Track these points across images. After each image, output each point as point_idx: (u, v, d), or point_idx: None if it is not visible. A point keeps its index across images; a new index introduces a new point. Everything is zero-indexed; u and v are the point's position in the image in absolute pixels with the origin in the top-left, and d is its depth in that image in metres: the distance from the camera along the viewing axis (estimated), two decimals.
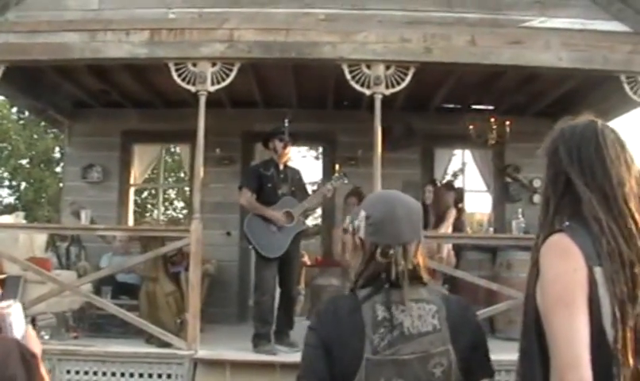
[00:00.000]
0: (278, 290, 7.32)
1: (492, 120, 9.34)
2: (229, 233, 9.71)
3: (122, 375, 6.62)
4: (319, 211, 11.34)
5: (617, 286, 1.76)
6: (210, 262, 8.59)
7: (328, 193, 7.45)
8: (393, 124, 8.10)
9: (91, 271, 8.41)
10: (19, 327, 2.42)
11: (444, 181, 10.41)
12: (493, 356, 2.12)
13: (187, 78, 6.91)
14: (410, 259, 2.03)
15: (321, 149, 12.95)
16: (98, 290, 7.92)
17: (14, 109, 20.81)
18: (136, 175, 10.71)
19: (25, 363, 2.22)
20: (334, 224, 9.43)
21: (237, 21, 7.01)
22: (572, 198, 1.93)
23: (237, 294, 9.80)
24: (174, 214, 22.93)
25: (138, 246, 8.42)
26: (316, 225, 13.98)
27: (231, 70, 6.91)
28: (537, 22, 7.02)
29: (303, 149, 18.48)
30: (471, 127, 9.33)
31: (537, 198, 9.86)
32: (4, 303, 2.39)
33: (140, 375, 6.62)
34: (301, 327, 6.87)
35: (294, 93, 9.17)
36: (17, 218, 9.44)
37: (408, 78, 6.83)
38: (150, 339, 7.03)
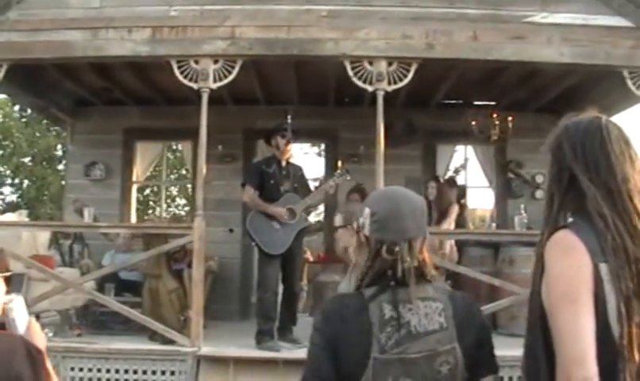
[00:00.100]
0: (281, 287, 7.34)
1: (495, 116, 9.33)
2: (231, 230, 9.72)
3: (126, 371, 6.63)
4: (321, 208, 11.35)
5: (622, 283, 1.76)
6: (212, 259, 8.60)
7: (330, 190, 7.46)
8: (395, 120, 8.10)
9: (94, 269, 8.43)
10: (22, 320, 2.44)
11: (446, 177, 10.39)
12: (496, 352, 2.12)
13: (190, 76, 6.91)
14: (416, 256, 2.03)
15: (323, 146, 12.97)
16: (101, 288, 7.93)
17: (16, 107, 20.83)
18: (139, 172, 10.72)
19: (31, 360, 2.23)
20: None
21: (238, 18, 7.01)
22: (576, 194, 1.93)
23: (239, 290, 9.82)
24: (176, 212, 22.96)
25: (141, 243, 8.43)
26: (318, 222, 13.99)
27: (233, 67, 6.91)
28: (539, 17, 7.02)
29: (306, 146, 18.49)
30: (473, 123, 9.32)
31: (539, 194, 9.88)
32: (5, 298, 2.40)
33: (144, 372, 6.63)
34: (304, 323, 6.90)
35: (295, 89, 9.17)
36: (20, 216, 9.47)
37: (410, 75, 6.83)
38: (153, 336, 7.05)
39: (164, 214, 19.98)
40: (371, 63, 6.84)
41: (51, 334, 6.94)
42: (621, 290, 1.76)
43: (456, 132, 9.88)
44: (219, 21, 6.99)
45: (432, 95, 9.42)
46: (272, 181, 7.29)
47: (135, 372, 6.63)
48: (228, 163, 9.89)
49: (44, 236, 8.62)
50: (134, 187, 10.83)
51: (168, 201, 22.39)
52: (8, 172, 22.02)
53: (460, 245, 8.36)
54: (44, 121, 18.97)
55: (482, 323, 2.12)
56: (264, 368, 6.49)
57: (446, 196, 8.42)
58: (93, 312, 7.86)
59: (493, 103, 9.75)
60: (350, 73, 6.86)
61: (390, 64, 6.85)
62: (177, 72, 6.92)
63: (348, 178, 7.71)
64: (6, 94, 11.69)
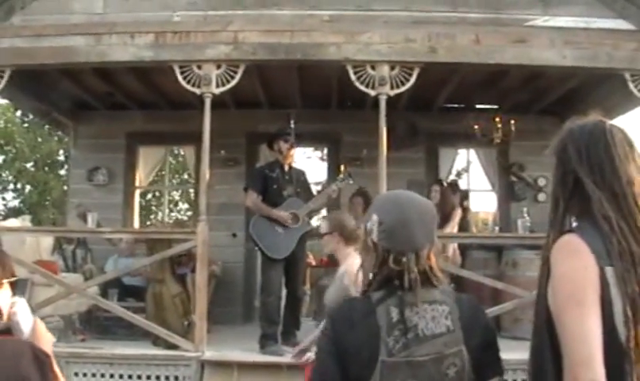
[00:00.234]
0: (284, 291, 7.35)
1: (497, 119, 9.34)
2: (234, 235, 9.73)
3: (130, 377, 6.65)
4: (324, 212, 11.35)
5: (628, 286, 1.77)
6: (215, 263, 8.61)
7: (333, 194, 7.48)
8: (397, 123, 8.10)
9: (97, 274, 8.46)
10: (26, 322, 2.45)
11: (448, 180, 10.39)
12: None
13: (192, 81, 6.93)
14: (423, 263, 2.04)
15: (325, 150, 12.96)
16: (104, 293, 7.94)
17: (18, 113, 20.85)
18: (142, 177, 10.73)
19: (39, 363, 2.25)
20: None
21: (241, 22, 7.03)
22: (581, 197, 1.94)
23: (242, 295, 9.83)
24: (178, 216, 22.95)
25: (144, 248, 8.45)
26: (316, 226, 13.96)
27: (236, 72, 6.93)
28: (541, 21, 7.03)
29: (308, 150, 18.47)
30: (476, 126, 9.33)
31: (542, 197, 9.88)
32: (9, 300, 2.41)
33: (148, 377, 6.65)
34: (307, 327, 6.91)
35: (298, 93, 9.19)
36: (23, 221, 9.47)
37: (413, 79, 6.84)
38: (157, 341, 7.06)
39: (167, 219, 19.99)
40: (373, 68, 6.86)
41: (54, 339, 6.93)
42: (627, 293, 1.77)
43: (458, 135, 9.88)
44: (222, 26, 7.00)
45: (434, 99, 9.43)
46: (275, 185, 7.31)
47: (139, 377, 6.64)
48: (231, 167, 9.89)
49: (48, 241, 8.63)
50: (137, 192, 10.83)
51: (170, 205, 22.39)
52: (10, 177, 22.02)
53: (464, 248, 8.37)
54: (46, 126, 18.97)
55: (488, 325, 2.14)
56: (268, 373, 6.49)
57: (449, 200, 8.44)
58: (96, 317, 7.86)
59: (495, 106, 9.77)
60: (353, 77, 6.87)
61: (392, 68, 6.86)
62: (180, 77, 6.94)
63: (351, 182, 7.72)
64: (9, 99, 11.71)
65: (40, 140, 21.43)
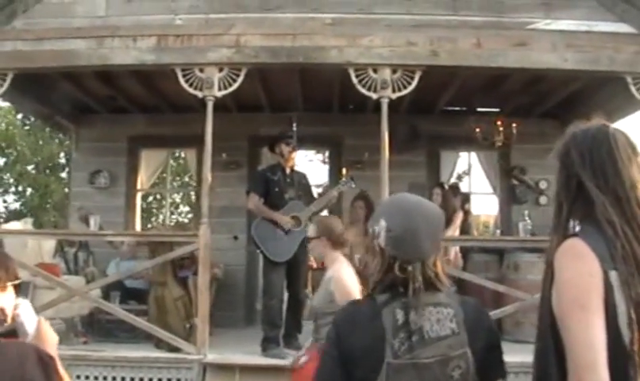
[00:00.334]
0: (286, 294, 7.36)
1: (499, 122, 9.35)
2: (236, 237, 9.74)
3: (132, 379, 6.65)
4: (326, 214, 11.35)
5: (632, 289, 1.77)
6: (217, 266, 8.61)
7: (333, 199, 7.53)
8: (398, 126, 8.11)
9: (99, 277, 8.46)
10: (30, 322, 2.46)
11: (449, 183, 10.40)
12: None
13: (194, 84, 6.94)
14: (429, 271, 2.05)
15: (327, 153, 12.98)
16: (106, 296, 7.94)
17: (19, 115, 20.87)
18: (143, 180, 10.74)
19: (43, 366, 2.25)
20: None
21: (243, 26, 7.04)
22: (584, 201, 1.94)
23: (244, 297, 9.83)
24: (179, 219, 22.95)
25: (145, 251, 8.45)
26: None
27: (238, 75, 6.94)
28: (543, 24, 7.04)
29: (310, 153, 18.49)
30: (477, 129, 9.34)
31: (543, 200, 9.89)
32: (12, 303, 2.42)
33: (150, 380, 6.65)
34: (309, 330, 6.91)
35: (299, 97, 9.20)
36: (25, 224, 9.50)
37: (415, 82, 6.85)
38: (159, 343, 7.07)
39: (168, 222, 20.01)
40: (375, 71, 6.87)
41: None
42: (631, 296, 1.77)
43: (459, 138, 9.89)
44: (224, 30, 7.01)
45: (436, 102, 9.44)
46: (277, 188, 7.32)
47: (141, 380, 6.65)
48: (232, 170, 9.91)
49: (50, 244, 8.65)
50: (139, 195, 10.84)
51: (171, 208, 22.40)
52: (11, 180, 22.03)
53: (465, 251, 8.37)
54: (47, 129, 18.99)
55: (492, 328, 2.15)
56: (270, 375, 6.49)
57: (451, 203, 8.44)
58: (98, 320, 7.87)
59: (496, 109, 9.78)
60: (354, 80, 6.88)
61: (394, 72, 6.87)
62: (182, 80, 6.95)
63: (353, 185, 7.74)
64: (11, 102, 11.74)
65: (41, 142, 21.44)
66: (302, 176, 7.74)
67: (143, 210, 17.88)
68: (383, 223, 2.08)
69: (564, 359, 1.80)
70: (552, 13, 7.05)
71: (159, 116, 10.14)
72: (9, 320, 2.42)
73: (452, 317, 2.02)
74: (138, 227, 11.00)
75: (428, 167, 10.20)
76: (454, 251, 8.06)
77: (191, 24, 7.12)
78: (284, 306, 7.31)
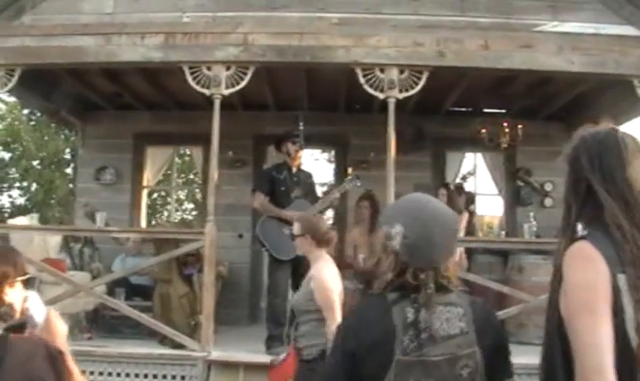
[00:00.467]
0: (290, 293, 7.36)
1: (505, 124, 9.35)
2: (241, 235, 9.75)
3: (136, 375, 6.68)
4: (331, 213, 11.37)
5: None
6: (222, 264, 8.63)
7: (335, 201, 7.55)
8: (404, 127, 8.12)
9: (104, 273, 8.48)
10: (39, 313, 2.49)
11: (454, 184, 10.40)
12: None
13: (202, 82, 6.95)
14: (440, 277, 2.06)
15: (333, 152, 12.99)
16: (111, 292, 7.96)
17: (25, 111, 20.90)
18: (149, 177, 10.76)
19: (52, 361, 2.28)
20: (346, 227, 9.46)
21: (250, 24, 7.06)
22: (593, 205, 1.95)
23: (248, 296, 9.85)
24: (184, 216, 22.96)
25: (151, 247, 8.48)
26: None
27: (245, 73, 6.95)
28: (550, 26, 7.05)
29: (316, 152, 18.48)
30: (483, 130, 9.34)
31: (548, 202, 9.88)
32: (21, 297, 2.45)
33: (154, 376, 6.68)
34: None
35: (306, 96, 9.21)
36: (31, 220, 9.52)
37: (422, 83, 6.85)
38: (164, 340, 7.09)
39: (172, 219, 20.01)
40: (382, 71, 6.87)
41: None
42: (638, 300, 1.78)
43: (465, 139, 9.90)
44: (231, 28, 7.02)
45: (442, 102, 9.44)
46: (283, 187, 7.34)
47: (145, 376, 6.68)
48: (238, 168, 9.93)
49: (55, 239, 8.67)
50: (144, 192, 10.87)
51: (176, 205, 22.42)
52: (16, 175, 22.07)
53: (469, 252, 8.38)
54: (53, 125, 19.02)
55: (500, 329, 2.18)
56: None
57: (456, 204, 8.44)
58: (103, 316, 7.90)
59: (502, 111, 9.78)
60: (361, 80, 6.88)
61: (401, 72, 6.87)
62: (189, 78, 6.96)
63: (359, 184, 7.75)
64: (18, 97, 11.76)
65: (46, 138, 21.46)
66: (308, 175, 7.76)
67: (147, 207, 17.93)
68: (399, 228, 2.07)
69: (571, 361, 1.81)
70: (559, 15, 7.06)
71: (164, 113, 10.16)
72: (17, 315, 2.44)
73: (461, 316, 2.04)
74: (143, 224, 11.02)
75: (433, 167, 10.21)
76: (459, 252, 8.06)
77: (199, 22, 7.14)
78: (288, 305, 7.32)
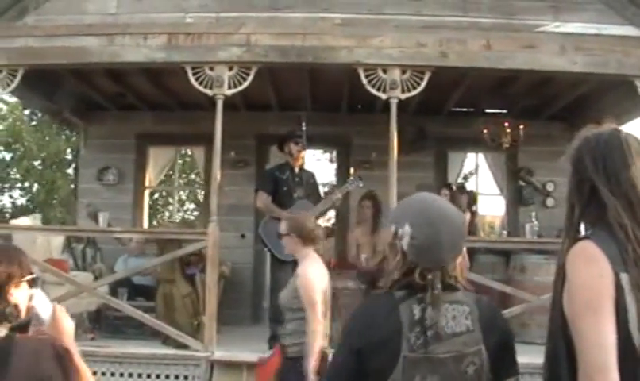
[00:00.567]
0: None
1: (506, 124, 9.35)
2: (243, 236, 9.76)
3: (139, 376, 6.70)
4: (333, 213, 11.37)
5: None
6: (225, 264, 8.64)
7: (337, 202, 7.56)
8: (406, 127, 8.13)
9: (107, 273, 8.49)
10: (45, 310, 2.49)
11: (456, 184, 10.42)
12: None
13: (204, 82, 6.96)
14: (447, 277, 2.08)
15: (335, 152, 12.99)
16: (114, 292, 7.97)
17: (26, 111, 20.92)
18: (151, 177, 10.77)
19: (59, 360, 2.28)
20: (348, 227, 9.48)
21: (253, 25, 7.07)
22: (597, 205, 1.97)
23: (251, 296, 9.86)
24: (185, 216, 22.96)
25: (154, 248, 8.49)
26: (327, 227, 13.98)
27: (248, 74, 6.96)
28: (552, 27, 7.06)
29: (318, 152, 18.48)
30: (485, 131, 9.35)
31: (550, 202, 9.89)
32: (27, 297, 2.45)
33: (157, 376, 6.70)
34: None
35: (308, 96, 9.22)
36: (34, 220, 9.54)
37: (424, 83, 6.86)
38: (166, 340, 7.10)
39: (174, 219, 20.03)
40: (384, 71, 6.88)
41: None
42: None
43: (467, 139, 9.92)
44: (234, 28, 7.04)
45: (444, 103, 9.44)
46: (285, 187, 7.36)
47: (149, 376, 6.69)
48: (240, 168, 9.93)
49: (58, 240, 8.69)
50: (146, 192, 10.88)
51: (177, 206, 22.43)
52: (18, 176, 22.09)
53: (471, 252, 8.38)
54: (54, 125, 19.04)
55: (506, 327, 2.19)
56: None
57: (459, 204, 8.45)
58: (106, 316, 7.90)
59: (504, 111, 9.79)
60: (364, 81, 6.89)
61: (403, 72, 6.88)
62: (192, 79, 6.97)
63: (361, 185, 7.77)
64: (20, 98, 11.77)
65: (47, 138, 21.48)
66: (311, 175, 7.77)
67: (149, 207, 17.94)
68: (407, 228, 2.09)
69: (574, 360, 1.82)
70: (561, 15, 7.07)
71: (167, 114, 10.17)
72: (23, 315, 2.44)
73: (467, 314, 2.06)
74: (146, 224, 11.04)
75: (436, 167, 10.21)
76: (463, 252, 8.06)
77: (202, 22, 7.16)
78: None
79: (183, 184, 20.72)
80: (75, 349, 2.48)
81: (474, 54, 6.98)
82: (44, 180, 21.64)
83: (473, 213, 9.18)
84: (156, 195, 21.34)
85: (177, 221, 20.09)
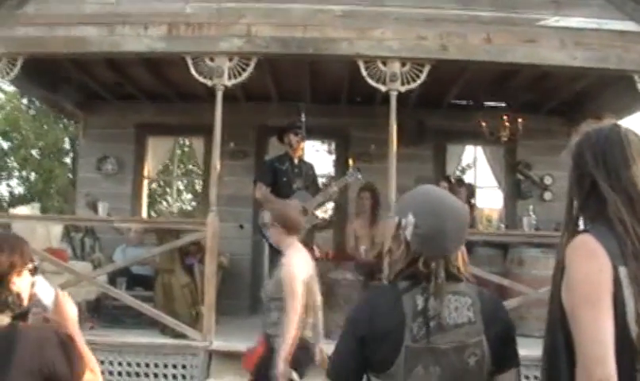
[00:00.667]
0: None
1: (505, 117, 9.37)
2: (241, 226, 9.77)
3: (138, 365, 6.72)
4: (331, 204, 11.38)
5: None
6: (223, 255, 8.66)
7: (333, 195, 7.58)
8: (406, 120, 8.15)
9: (105, 263, 8.50)
10: (47, 295, 2.51)
11: (455, 177, 10.43)
12: None
13: (205, 73, 6.96)
14: (451, 266, 2.12)
15: (333, 144, 12.99)
16: (112, 281, 7.98)
17: (24, 100, 20.88)
18: (150, 167, 10.78)
19: (63, 347, 2.31)
20: (347, 218, 9.50)
21: (254, 16, 7.06)
22: (596, 200, 1.99)
23: (249, 286, 9.85)
24: (182, 206, 22.96)
25: (152, 238, 8.50)
26: (324, 219, 13.98)
27: (248, 65, 6.96)
28: (552, 21, 7.05)
29: (317, 143, 18.43)
30: (483, 124, 9.36)
31: (548, 195, 9.92)
32: (29, 285, 2.47)
33: (156, 365, 6.72)
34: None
35: (308, 88, 9.22)
36: (33, 209, 9.54)
37: (424, 76, 6.87)
38: (165, 330, 7.12)
39: (173, 209, 20.06)
40: (384, 64, 6.89)
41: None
42: (639, 292, 1.82)
43: (466, 132, 9.94)
44: (235, 19, 7.03)
45: (443, 96, 9.45)
46: (285, 178, 7.37)
47: (147, 365, 6.72)
48: (239, 159, 9.93)
49: (57, 229, 8.70)
50: (145, 182, 10.89)
51: (175, 196, 22.44)
52: (15, 164, 22.06)
53: (470, 245, 8.39)
54: (52, 114, 19.01)
55: (507, 319, 2.21)
56: None
57: (457, 196, 8.46)
58: (105, 305, 7.91)
59: (504, 105, 9.80)
60: (364, 73, 6.90)
61: (403, 65, 6.89)
62: (192, 69, 6.96)
63: (360, 177, 7.79)
64: (20, 87, 11.76)
65: (45, 127, 21.44)
66: (310, 167, 7.79)
67: (147, 197, 17.93)
68: (411, 218, 2.12)
69: (573, 352, 1.85)
70: (561, 10, 7.06)
71: (167, 104, 10.16)
72: (25, 304, 2.46)
73: (469, 305, 2.09)
74: (145, 214, 11.04)
75: (435, 160, 10.23)
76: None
77: (202, 13, 7.13)
78: None
79: (181, 174, 20.72)
80: (78, 334, 2.50)
81: (474, 47, 6.99)
82: (42, 169, 21.62)
83: (472, 206, 9.20)
84: (154, 185, 21.35)
85: (174, 211, 20.12)
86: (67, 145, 21.86)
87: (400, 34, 6.97)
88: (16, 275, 2.39)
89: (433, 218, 2.12)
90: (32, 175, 22.25)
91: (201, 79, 6.99)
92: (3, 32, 7.12)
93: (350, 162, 9.32)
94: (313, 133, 8.70)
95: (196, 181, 19.30)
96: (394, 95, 6.91)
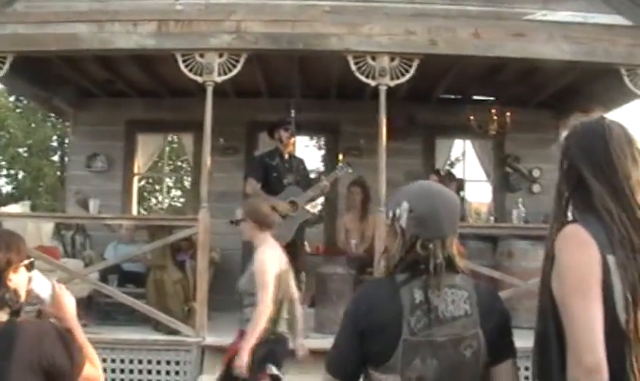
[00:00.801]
0: None
1: (493, 111, 9.42)
2: (232, 222, 9.75)
3: (131, 361, 6.73)
4: (321, 199, 11.40)
5: (628, 272, 1.89)
6: (214, 250, 8.67)
7: (325, 189, 7.59)
8: (395, 114, 8.18)
9: (97, 260, 8.49)
10: (44, 289, 2.53)
11: (444, 170, 10.47)
12: None
13: (195, 69, 6.97)
14: (447, 251, 2.15)
15: (323, 139, 13.01)
16: (104, 279, 7.98)
17: (11, 98, 20.79)
18: (140, 164, 10.76)
19: (62, 340, 2.34)
20: (337, 213, 9.53)
21: (243, 12, 7.08)
22: (584, 191, 2.05)
23: None
24: (171, 203, 22.91)
25: (143, 235, 8.50)
26: (314, 214, 14.00)
27: (238, 61, 6.98)
28: (540, 15, 7.11)
29: (306, 139, 18.45)
30: (471, 118, 9.41)
31: (536, 188, 9.98)
32: (25, 281, 2.49)
33: (149, 362, 6.73)
34: (305, 314, 6.99)
35: (298, 83, 9.22)
36: (23, 207, 9.52)
37: (412, 70, 6.92)
38: (158, 326, 7.13)
39: (162, 206, 20.03)
40: (374, 59, 6.92)
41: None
42: (627, 279, 1.88)
43: (455, 126, 9.98)
44: (225, 15, 7.05)
45: (432, 90, 9.49)
46: (275, 174, 7.39)
47: (140, 362, 6.73)
48: (229, 155, 9.94)
49: (48, 227, 8.69)
50: (135, 179, 10.88)
51: (164, 192, 22.40)
52: (3, 163, 21.97)
53: (460, 238, 8.43)
54: (40, 112, 18.94)
55: (503, 311, 2.25)
56: None
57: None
58: (97, 303, 7.92)
59: (493, 98, 9.85)
60: (353, 68, 6.93)
61: (392, 60, 6.93)
62: (182, 66, 6.97)
63: (350, 171, 7.82)
64: (8, 85, 11.70)
65: (33, 125, 21.37)
66: (300, 162, 7.82)
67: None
68: (405, 205, 2.18)
69: (563, 340, 1.90)
70: (549, 4, 7.12)
71: (156, 100, 10.14)
72: (22, 299, 2.48)
73: (466, 298, 2.13)
74: (135, 211, 11.02)
75: (424, 154, 10.26)
76: None
77: (192, 9, 7.14)
78: None
79: (170, 171, 20.69)
80: (77, 326, 2.53)
81: (463, 42, 7.04)
82: (30, 167, 21.55)
83: (462, 200, 9.25)
84: (143, 182, 21.30)
85: (164, 207, 20.09)
86: (55, 143, 21.78)
87: (389, 29, 7.01)
88: (13, 271, 2.41)
89: (427, 200, 2.19)
90: (21, 174, 22.16)
91: (191, 76, 7.00)
92: None
93: (340, 156, 9.35)
94: (303, 128, 8.73)
95: (185, 177, 19.29)
96: (383, 90, 6.95)
